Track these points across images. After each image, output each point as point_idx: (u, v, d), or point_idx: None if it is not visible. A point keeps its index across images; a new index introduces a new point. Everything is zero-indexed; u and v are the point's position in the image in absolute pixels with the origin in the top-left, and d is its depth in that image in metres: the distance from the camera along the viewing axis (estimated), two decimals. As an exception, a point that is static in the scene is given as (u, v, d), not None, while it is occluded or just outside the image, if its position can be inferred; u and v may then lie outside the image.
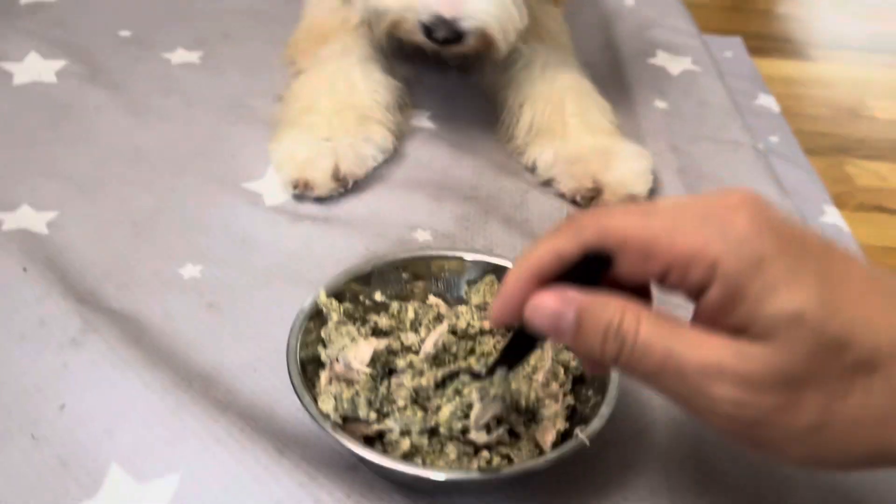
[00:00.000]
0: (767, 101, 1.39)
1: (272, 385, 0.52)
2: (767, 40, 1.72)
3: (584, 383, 0.51)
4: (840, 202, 1.11)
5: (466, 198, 0.72)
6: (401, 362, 0.49)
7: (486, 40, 0.70)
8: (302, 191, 0.69)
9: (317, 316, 0.51)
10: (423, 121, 0.84)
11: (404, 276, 0.56)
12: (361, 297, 0.54)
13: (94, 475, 0.45)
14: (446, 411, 0.45)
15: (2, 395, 0.50)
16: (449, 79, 0.90)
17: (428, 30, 0.68)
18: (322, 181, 0.69)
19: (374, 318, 0.53)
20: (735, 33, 1.74)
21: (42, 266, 0.59)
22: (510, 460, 0.46)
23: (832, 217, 1.03)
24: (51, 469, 0.46)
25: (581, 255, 0.35)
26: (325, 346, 0.51)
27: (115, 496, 0.45)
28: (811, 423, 0.32)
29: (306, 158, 0.70)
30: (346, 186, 0.70)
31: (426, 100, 0.86)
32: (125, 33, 0.97)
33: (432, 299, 0.55)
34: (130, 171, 0.72)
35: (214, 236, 0.65)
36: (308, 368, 0.49)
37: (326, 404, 0.46)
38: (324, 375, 0.49)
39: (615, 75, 0.96)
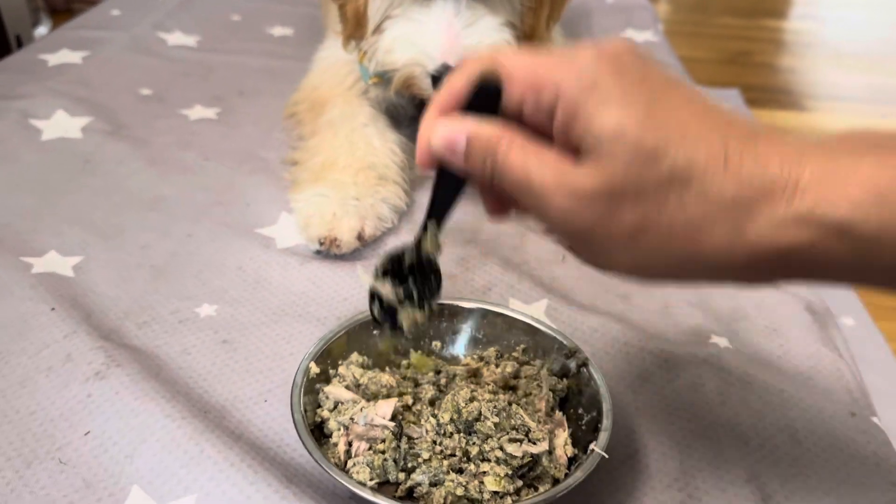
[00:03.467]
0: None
1: (281, 415, 0.55)
2: (765, 92, 1.77)
3: (570, 401, 0.54)
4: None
5: (467, 241, 0.76)
6: (415, 419, 0.50)
7: None
8: (327, 247, 0.71)
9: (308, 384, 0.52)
10: (428, 170, 0.88)
11: (375, 332, 0.57)
12: (341, 362, 0.55)
13: (116, 496, 0.48)
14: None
15: (31, 423, 0.53)
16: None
17: (436, 81, 0.73)
18: (348, 241, 0.71)
19: (361, 378, 0.53)
20: (734, 86, 1.79)
21: (69, 306, 0.63)
22: (535, 488, 0.48)
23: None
24: (76, 491, 0.49)
25: (475, 85, 0.39)
26: (319, 409, 0.52)
27: (135, 516, 0.48)
28: (630, 230, 0.36)
29: (334, 217, 0.72)
30: (365, 245, 0.74)
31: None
32: (146, 92, 1.02)
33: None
34: (150, 219, 0.76)
35: (229, 278, 0.69)
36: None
37: (363, 474, 0.47)
38: (342, 441, 0.49)
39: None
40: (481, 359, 0.57)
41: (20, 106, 0.94)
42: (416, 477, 0.47)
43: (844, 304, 1.04)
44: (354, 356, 0.56)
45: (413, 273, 0.50)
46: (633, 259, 0.37)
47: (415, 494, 0.47)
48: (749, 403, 0.57)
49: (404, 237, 0.76)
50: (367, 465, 0.47)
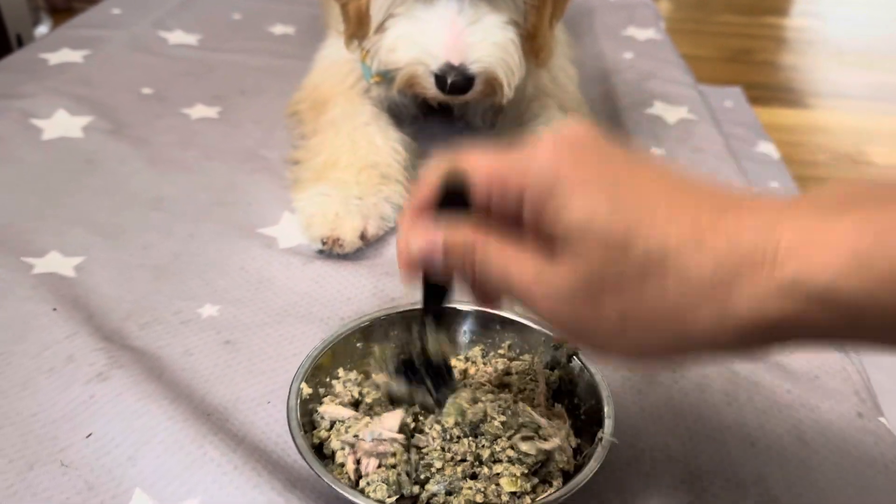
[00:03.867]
0: (767, 148, 1.42)
1: (284, 417, 0.54)
2: (768, 90, 1.77)
3: (562, 393, 0.54)
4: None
5: (470, 241, 0.75)
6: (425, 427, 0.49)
7: (491, 85, 0.75)
8: (330, 247, 0.71)
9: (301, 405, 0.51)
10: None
11: (359, 345, 0.56)
12: (328, 378, 0.54)
13: (119, 499, 0.48)
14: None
15: (33, 425, 0.53)
16: (454, 130, 0.94)
17: (439, 79, 0.73)
18: (350, 240, 0.71)
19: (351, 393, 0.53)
20: (736, 84, 1.79)
21: (70, 307, 0.62)
22: (549, 483, 0.48)
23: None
24: (78, 493, 0.49)
25: (443, 185, 0.41)
26: (315, 430, 0.51)
27: (138, 519, 0.47)
28: (616, 321, 0.36)
29: (337, 216, 0.72)
30: (368, 245, 0.74)
31: (432, 149, 0.91)
32: (147, 91, 1.02)
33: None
34: (152, 219, 0.76)
35: (231, 278, 0.69)
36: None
37: (380, 491, 0.45)
38: (349, 460, 0.48)
39: (614, 124, 1.00)
40: (466, 359, 0.57)
41: (21, 105, 0.93)
42: (432, 487, 0.46)
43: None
44: (342, 372, 0.54)
45: (424, 367, 0.50)
46: (628, 346, 0.37)
47: None
48: (756, 404, 0.57)
49: (407, 237, 0.75)
50: (384, 482, 0.46)
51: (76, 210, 0.77)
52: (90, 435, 0.52)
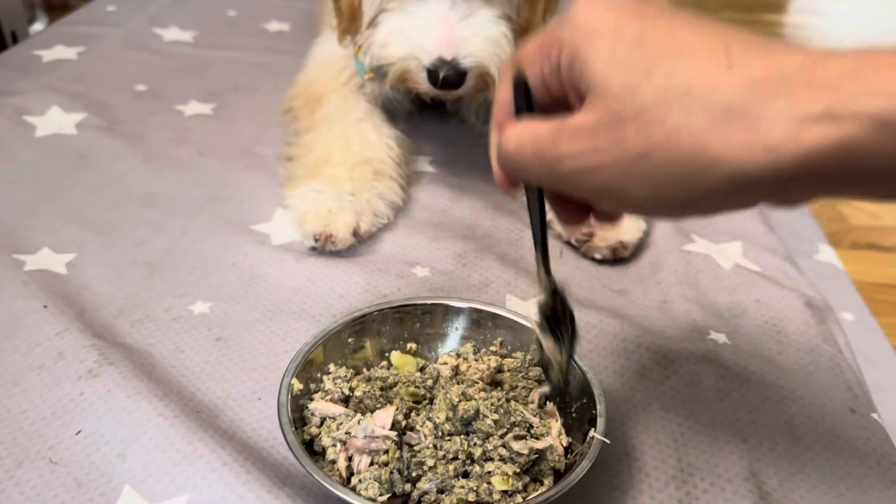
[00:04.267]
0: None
1: (275, 413, 0.54)
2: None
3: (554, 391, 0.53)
4: (834, 241, 1.13)
5: (464, 236, 0.75)
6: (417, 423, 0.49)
7: (483, 79, 0.75)
8: (322, 244, 0.71)
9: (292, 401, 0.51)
10: (425, 165, 0.87)
11: (350, 340, 0.56)
12: (319, 374, 0.54)
13: (108, 496, 0.48)
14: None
15: (22, 422, 0.53)
16: (448, 126, 0.94)
17: (432, 74, 0.72)
18: (343, 237, 0.71)
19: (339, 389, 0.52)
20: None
21: (61, 303, 0.62)
22: (540, 482, 0.48)
23: (826, 255, 1.05)
24: (67, 490, 0.48)
25: (514, 88, 0.42)
26: (305, 426, 0.51)
27: (127, 516, 0.47)
28: (638, 152, 0.34)
29: (330, 213, 0.72)
30: (361, 241, 0.73)
31: (427, 145, 0.91)
32: (141, 87, 1.02)
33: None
34: (145, 215, 0.76)
35: (223, 274, 0.68)
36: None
37: (371, 489, 0.45)
38: (341, 458, 0.48)
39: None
40: (458, 355, 0.57)
41: (14, 102, 0.93)
42: (423, 485, 0.46)
43: (844, 299, 1.04)
44: (332, 367, 0.54)
45: (556, 317, 0.49)
46: (650, 187, 0.34)
47: (422, 502, 0.46)
48: (748, 400, 0.57)
49: (399, 232, 0.75)
50: (375, 480, 0.46)
51: (69, 207, 0.76)
52: (79, 432, 0.52)
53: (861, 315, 1.01)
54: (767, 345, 0.63)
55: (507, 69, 0.42)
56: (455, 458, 0.47)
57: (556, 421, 0.51)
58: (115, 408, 0.53)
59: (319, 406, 0.51)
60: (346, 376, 0.53)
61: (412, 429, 0.49)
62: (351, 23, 0.78)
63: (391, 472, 0.46)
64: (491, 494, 0.46)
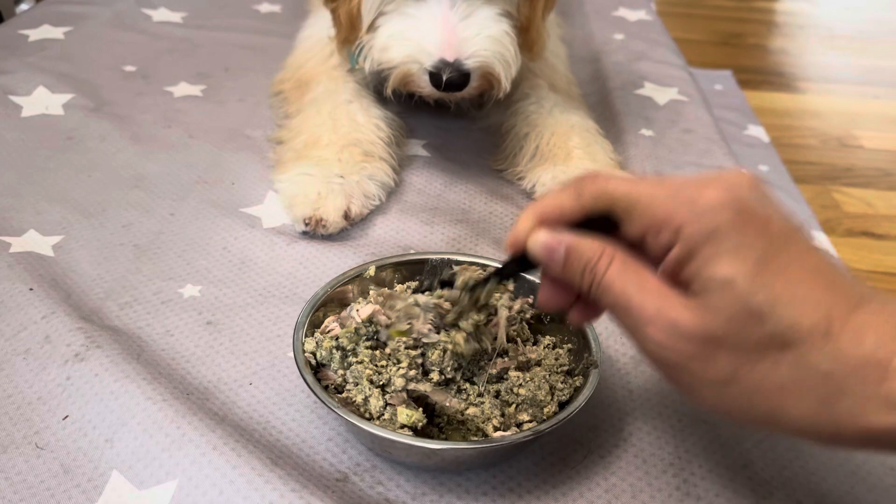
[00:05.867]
0: (757, 132, 1.41)
1: (267, 398, 0.54)
2: (758, 74, 1.76)
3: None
4: (828, 228, 1.13)
5: (458, 221, 0.74)
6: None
7: (488, 79, 0.73)
8: (314, 228, 0.69)
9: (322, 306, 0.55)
10: (418, 149, 0.86)
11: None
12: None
13: (95, 482, 0.47)
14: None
15: (7, 407, 0.51)
16: (441, 110, 0.93)
17: (434, 77, 0.71)
18: (334, 220, 0.70)
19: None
20: (727, 67, 1.78)
21: (47, 286, 0.61)
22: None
23: (821, 242, 1.05)
24: (54, 476, 0.47)
25: (590, 217, 0.41)
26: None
27: (116, 502, 0.46)
28: (720, 378, 0.36)
29: (319, 196, 0.70)
30: (353, 225, 0.72)
31: (420, 129, 0.89)
32: (130, 68, 1.00)
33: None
34: (133, 197, 0.74)
35: (214, 258, 0.67)
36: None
37: (309, 345, 0.51)
38: (330, 317, 0.54)
39: (604, 105, 0.99)
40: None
41: (0, 82, 0.91)
42: (347, 375, 0.50)
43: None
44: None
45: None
46: (720, 404, 0.38)
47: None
48: (745, 386, 0.56)
49: (392, 216, 0.74)
50: (316, 342, 0.51)
51: (55, 188, 0.75)
52: (66, 417, 0.51)
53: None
54: (764, 331, 0.62)
55: (590, 192, 0.41)
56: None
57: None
58: (103, 392, 0.51)
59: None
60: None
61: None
62: (350, 31, 0.77)
63: (334, 347, 0.51)
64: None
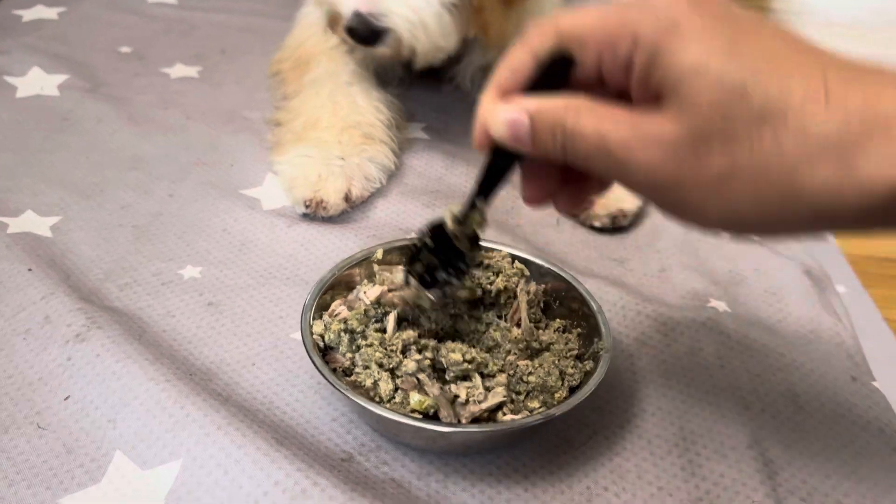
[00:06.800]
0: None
1: (270, 378, 0.54)
2: (754, 61, 1.75)
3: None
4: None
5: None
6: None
7: (401, 45, 0.72)
8: (314, 210, 0.69)
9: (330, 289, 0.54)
10: (418, 132, 0.86)
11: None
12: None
13: (98, 461, 0.47)
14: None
15: (8, 387, 0.51)
16: (441, 93, 0.92)
17: (350, 28, 0.70)
18: (335, 202, 0.69)
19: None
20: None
21: (46, 267, 0.60)
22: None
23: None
24: (56, 456, 0.47)
25: (544, 62, 0.37)
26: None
27: (119, 482, 0.46)
28: (720, 176, 0.33)
29: (319, 178, 0.70)
30: (353, 207, 0.72)
31: (420, 111, 0.89)
32: (126, 49, 0.99)
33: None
34: (131, 179, 0.74)
35: (214, 239, 0.67)
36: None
37: (317, 327, 0.51)
38: (337, 300, 0.54)
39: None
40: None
41: (-6, 62, 0.90)
42: (356, 358, 0.50)
43: (836, 271, 1.04)
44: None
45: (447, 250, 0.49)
46: (726, 208, 0.33)
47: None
48: (749, 368, 0.56)
49: (393, 199, 0.73)
50: (324, 325, 0.51)
51: (52, 169, 0.74)
52: (68, 397, 0.50)
53: (853, 287, 1.01)
54: (768, 313, 0.62)
55: (537, 37, 0.37)
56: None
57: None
58: (105, 372, 0.51)
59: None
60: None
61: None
62: None
63: (342, 330, 0.50)
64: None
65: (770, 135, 0.31)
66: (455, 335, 0.52)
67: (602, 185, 0.43)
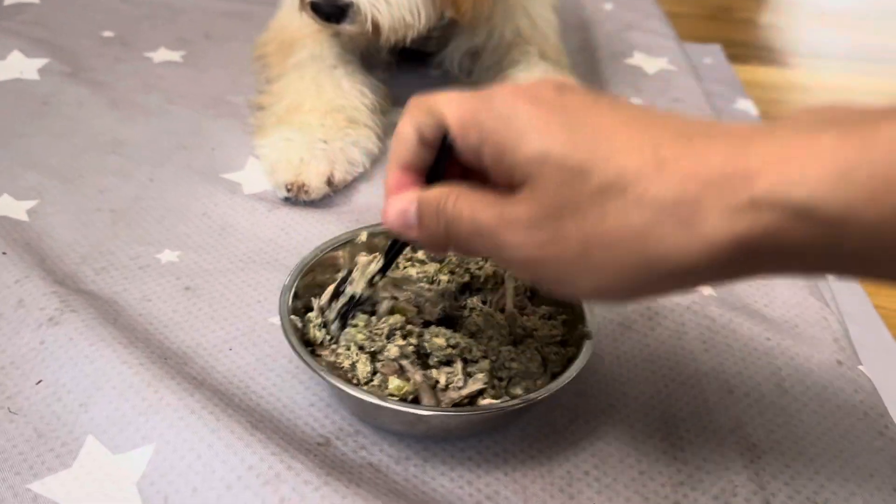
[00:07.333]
0: (745, 105, 1.41)
1: (247, 363, 0.53)
2: (747, 48, 1.75)
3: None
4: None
5: (444, 188, 0.73)
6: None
7: (365, 21, 0.71)
8: (295, 194, 0.68)
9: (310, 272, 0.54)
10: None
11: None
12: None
13: (69, 446, 0.46)
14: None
15: (-22, 371, 0.50)
16: (429, 77, 0.91)
17: (313, 4, 0.70)
18: (317, 186, 0.68)
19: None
20: (716, 41, 1.77)
21: (21, 250, 0.59)
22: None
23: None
24: (27, 441, 0.46)
25: (437, 145, 0.40)
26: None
27: (90, 466, 0.45)
28: (578, 248, 0.34)
29: (301, 161, 0.69)
30: (336, 191, 0.71)
31: (407, 96, 0.87)
32: (108, 33, 0.98)
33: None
34: (111, 163, 0.73)
35: (193, 223, 0.66)
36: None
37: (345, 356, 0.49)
38: (329, 289, 0.52)
39: (593, 74, 0.98)
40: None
41: (-27, 46, 0.89)
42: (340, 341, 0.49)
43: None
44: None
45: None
46: (594, 279, 0.35)
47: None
48: (734, 352, 0.55)
49: (377, 183, 0.72)
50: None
51: (31, 153, 0.73)
52: (40, 381, 0.49)
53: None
54: (754, 297, 0.61)
55: (417, 113, 0.40)
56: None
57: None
58: (78, 356, 0.50)
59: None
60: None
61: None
62: None
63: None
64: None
65: (614, 207, 0.33)
66: (440, 321, 0.51)
67: None
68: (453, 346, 0.48)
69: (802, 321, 0.59)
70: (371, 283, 0.50)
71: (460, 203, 0.38)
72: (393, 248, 0.48)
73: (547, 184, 0.34)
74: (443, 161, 0.40)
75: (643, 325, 0.57)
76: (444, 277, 0.53)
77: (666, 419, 0.51)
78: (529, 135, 0.34)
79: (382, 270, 0.49)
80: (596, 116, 0.35)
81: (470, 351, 0.48)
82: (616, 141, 0.33)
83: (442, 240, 0.39)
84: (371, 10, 0.69)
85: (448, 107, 0.38)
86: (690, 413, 0.51)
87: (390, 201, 0.41)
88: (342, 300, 0.50)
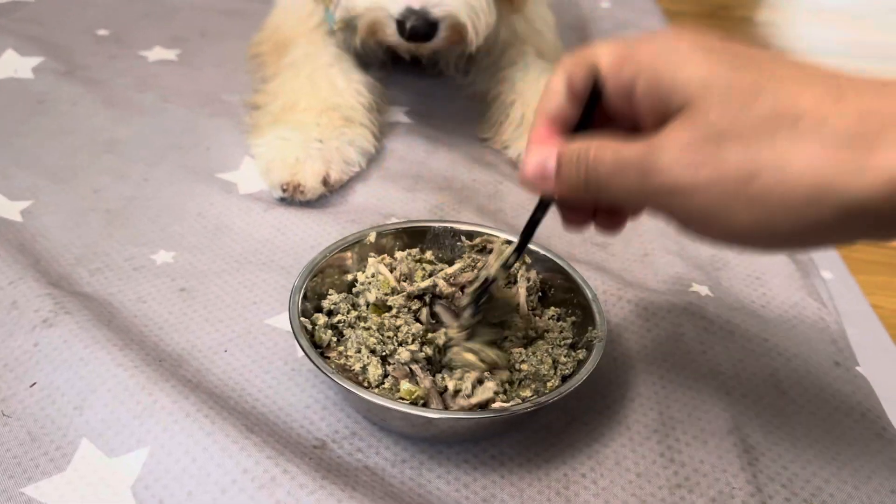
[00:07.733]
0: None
1: (243, 365, 0.52)
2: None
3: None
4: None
5: (441, 188, 0.72)
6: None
7: (456, 32, 0.71)
8: (291, 194, 0.67)
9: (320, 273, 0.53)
10: (400, 116, 0.84)
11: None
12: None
13: (64, 450, 0.45)
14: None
15: (-28, 374, 0.50)
16: (425, 77, 0.91)
17: (400, 25, 0.69)
18: (312, 186, 0.67)
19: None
20: (713, 39, 1.76)
21: (15, 251, 0.59)
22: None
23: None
24: (21, 444, 0.46)
25: (584, 98, 0.40)
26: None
27: (84, 470, 0.45)
28: (741, 175, 0.32)
29: (297, 161, 0.68)
30: (332, 191, 0.70)
31: (402, 96, 0.87)
32: (103, 32, 0.97)
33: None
34: (105, 162, 0.72)
35: (188, 224, 0.65)
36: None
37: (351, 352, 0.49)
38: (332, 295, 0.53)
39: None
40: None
41: (-33, 44, 0.89)
42: (347, 343, 0.49)
43: (822, 257, 1.03)
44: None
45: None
46: (755, 215, 0.32)
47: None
48: (731, 353, 0.55)
49: (373, 183, 0.72)
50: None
51: (24, 152, 0.72)
52: (34, 384, 0.49)
53: (840, 273, 1.00)
54: (751, 298, 0.61)
55: (574, 63, 0.40)
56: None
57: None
58: (72, 358, 0.50)
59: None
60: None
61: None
62: None
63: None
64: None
65: (785, 135, 0.31)
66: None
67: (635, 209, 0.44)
68: (483, 361, 0.48)
69: (800, 322, 0.59)
70: (506, 265, 0.48)
71: (602, 149, 0.37)
72: (529, 226, 0.47)
73: (710, 105, 0.33)
74: (591, 110, 0.40)
75: (640, 327, 0.57)
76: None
77: (663, 421, 0.50)
78: (693, 61, 0.34)
79: (518, 250, 0.48)
80: (765, 58, 0.34)
81: (496, 365, 0.49)
82: (791, 72, 0.33)
83: (580, 189, 0.39)
84: (468, 17, 0.69)
85: (603, 50, 0.38)
86: (687, 415, 0.51)
87: (531, 153, 0.41)
88: (475, 284, 0.49)
